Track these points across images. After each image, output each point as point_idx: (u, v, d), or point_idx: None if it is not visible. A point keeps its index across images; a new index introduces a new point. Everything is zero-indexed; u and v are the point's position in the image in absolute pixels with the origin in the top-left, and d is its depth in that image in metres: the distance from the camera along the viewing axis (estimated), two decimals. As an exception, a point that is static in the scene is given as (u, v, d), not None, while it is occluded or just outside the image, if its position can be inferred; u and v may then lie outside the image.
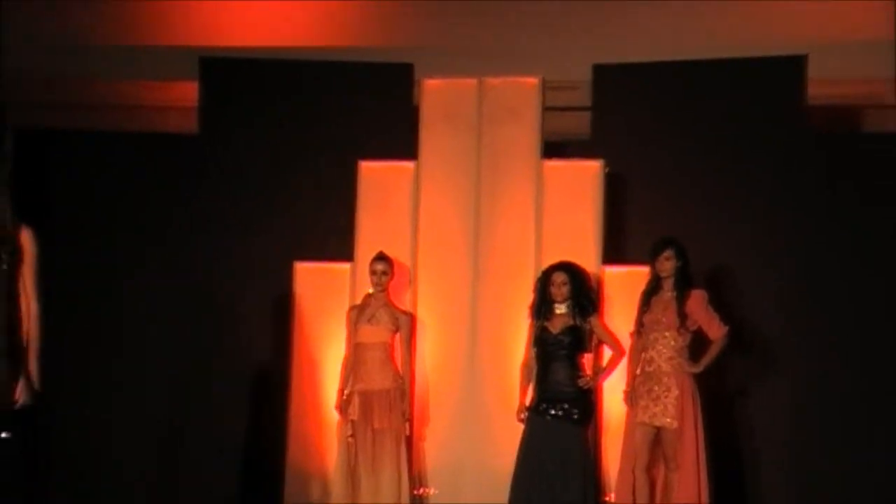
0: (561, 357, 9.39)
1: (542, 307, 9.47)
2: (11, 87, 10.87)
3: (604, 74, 10.38)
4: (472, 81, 10.20)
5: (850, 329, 9.93)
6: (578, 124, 10.49)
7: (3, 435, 6.58)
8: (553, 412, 9.35)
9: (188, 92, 10.72)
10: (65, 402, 10.37)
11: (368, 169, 10.15)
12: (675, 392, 9.15)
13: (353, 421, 9.61)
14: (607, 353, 9.59)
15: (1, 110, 10.33)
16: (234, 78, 10.73)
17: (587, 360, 9.51)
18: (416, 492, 9.73)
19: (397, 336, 9.72)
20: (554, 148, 10.18)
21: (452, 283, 10.09)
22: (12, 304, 6.84)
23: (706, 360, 9.19)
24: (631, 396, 9.31)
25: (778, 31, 10.70)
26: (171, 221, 10.47)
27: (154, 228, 10.46)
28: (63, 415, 10.38)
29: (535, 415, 9.38)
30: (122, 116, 11.15)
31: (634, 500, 9.27)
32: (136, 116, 11.22)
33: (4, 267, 6.67)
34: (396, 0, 11.53)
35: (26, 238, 6.90)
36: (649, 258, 9.37)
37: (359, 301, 9.78)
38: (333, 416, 9.73)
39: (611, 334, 9.50)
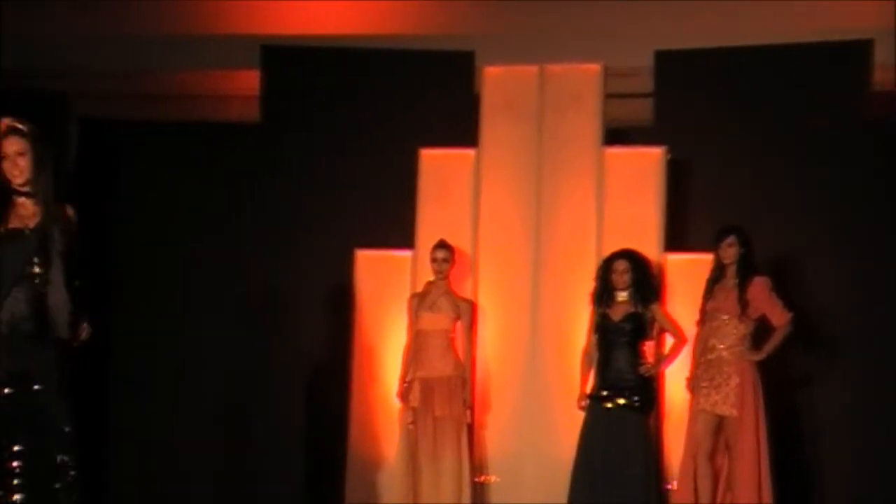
0: (622, 345, 9.45)
1: (603, 294, 9.52)
2: (78, 79, 10.91)
3: (666, 61, 10.39)
4: (534, 69, 10.20)
5: None
6: (640, 111, 10.52)
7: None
8: (615, 400, 9.41)
9: (250, 81, 10.78)
10: (129, 393, 10.59)
11: (429, 157, 10.17)
12: (735, 380, 9.14)
13: (414, 408, 9.66)
14: (669, 340, 9.56)
15: (64, 100, 10.58)
16: (296, 66, 10.78)
17: (648, 347, 9.55)
18: (476, 479, 9.76)
19: (458, 324, 9.75)
20: (615, 135, 10.21)
21: (513, 270, 10.09)
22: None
23: (768, 347, 9.16)
24: (693, 384, 9.25)
25: (842, 16, 10.53)
26: (233, 210, 10.54)
27: (215, 217, 10.55)
28: (126, 407, 10.58)
29: (596, 403, 9.43)
30: (184, 106, 11.21)
31: (696, 488, 9.23)
32: (199, 106, 11.25)
33: (59, 248, 6.64)
34: None
35: (70, 219, 6.84)
36: (712, 245, 9.37)
37: (420, 289, 9.83)
38: (395, 403, 9.78)
39: (672, 322, 9.53)
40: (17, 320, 6.48)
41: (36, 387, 6.46)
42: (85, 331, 6.63)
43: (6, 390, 6.47)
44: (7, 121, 6.67)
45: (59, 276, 6.58)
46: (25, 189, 6.55)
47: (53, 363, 6.56)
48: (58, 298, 6.59)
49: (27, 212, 6.55)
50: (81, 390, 7.18)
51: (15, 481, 6.43)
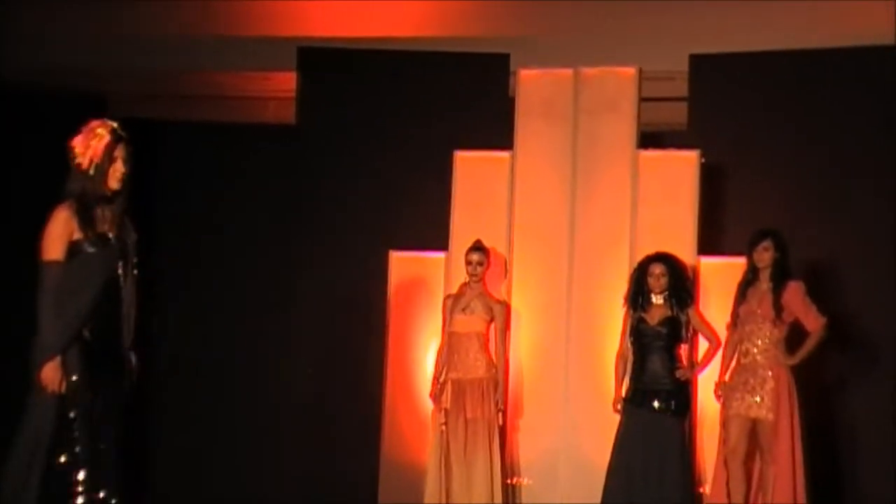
0: (658, 349, 9.44)
1: (638, 298, 9.50)
2: (116, 79, 11.06)
3: (701, 64, 10.43)
4: (569, 72, 10.21)
5: None
6: (675, 115, 10.56)
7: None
8: (652, 404, 9.40)
9: (287, 83, 10.89)
10: (167, 393, 10.70)
11: (464, 159, 10.22)
12: (770, 384, 9.09)
13: (446, 409, 9.67)
14: (703, 344, 9.51)
15: (103, 101, 10.58)
16: (332, 69, 10.86)
17: (683, 351, 9.54)
18: (508, 481, 9.79)
19: (492, 326, 9.76)
20: (650, 138, 10.22)
21: (548, 273, 10.11)
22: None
23: (803, 352, 9.10)
24: (726, 388, 9.20)
25: (875, 20, 10.48)
26: (269, 209, 10.65)
27: (252, 216, 10.68)
28: (166, 406, 10.73)
29: (632, 406, 9.42)
30: (222, 107, 11.42)
31: (728, 493, 9.21)
32: (236, 107, 11.46)
33: (133, 258, 6.79)
34: None
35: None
36: (747, 249, 9.30)
37: (454, 290, 9.85)
38: (427, 404, 9.81)
39: (708, 325, 9.50)
40: (99, 327, 6.58)
41: (107, 392, 6.60)
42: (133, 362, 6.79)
43: (89, 395, 6.57)
44: (110, 125, 6.74)
45: (132, 286, 6.72)
46: (115, 196, 6.63)
47: (122, 370, 6.70)
48: (129, 308, 6.71)
49: (107, 219, 6.63)
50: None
51: (80, 489, 6.54)
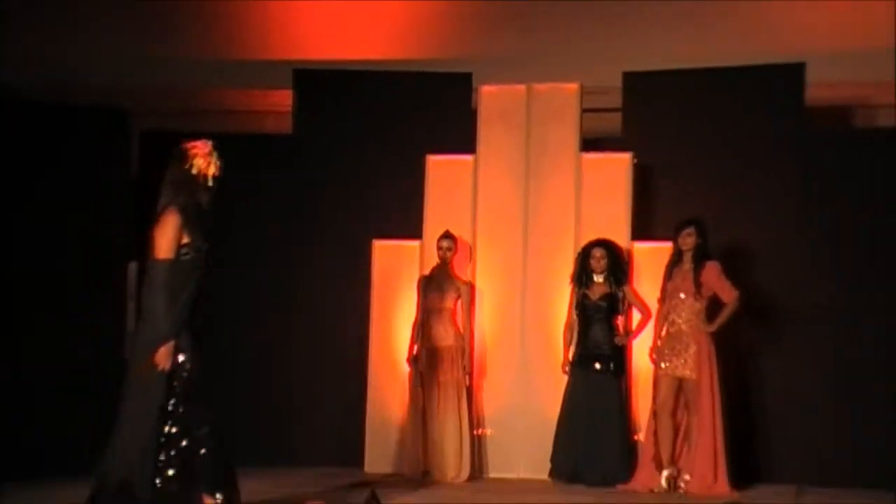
0: (599, 319, 9.62)
1: (582, 277, 9.66)
2: (134, 96, 10.89)
3: (632, 81, 10.37)
4: (522, 87, 10.25)
5: (850, 295, 9.87)
6: (611, 123, 10.47)
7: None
8: (594, 366, 9.56)
9: (284, 99, 10.80)
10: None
11: (434, 162, 10.24)
12: (693, 348, 9.25)
13: (421, 373, 9.78)
14: (636, 315, 9.69)
15: (124, 116, 10.49)
16: (323, 86, 10.72)
17: (620, 321, 9.71)
18: (475, 433, 9.87)
19: (459, 302, 9.85)
20: (591, 143, 10.27)
21: (506, 257, 10.16)
22: None
23: (719, 321, 9.27)
24: (657, 352, 9.36)
25: (785, 40, 10.62)
26: (271, 206, 10.53)
27: (254, 214, 10.50)
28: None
29: (577, 368, 9.62)
30: (227, 120, 11.15)
31: (658, 440, 9.34)
32: (241, 120, 11.26)
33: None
34: (457, 19, 11.40)
35: None
36: (673, 235, 9.46)
37: (427, 272, 9.96)
38: (405, 368, 9.91)
39: (640, 300, 9.68)
40: (197, 315, 6.82)
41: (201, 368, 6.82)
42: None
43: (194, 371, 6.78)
44: (212, 143, 6.91)
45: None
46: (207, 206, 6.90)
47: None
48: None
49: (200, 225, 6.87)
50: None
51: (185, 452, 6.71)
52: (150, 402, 6.67)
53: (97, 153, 10.35)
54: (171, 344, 6.66)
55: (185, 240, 6.73)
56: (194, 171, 6.83)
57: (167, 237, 6.71)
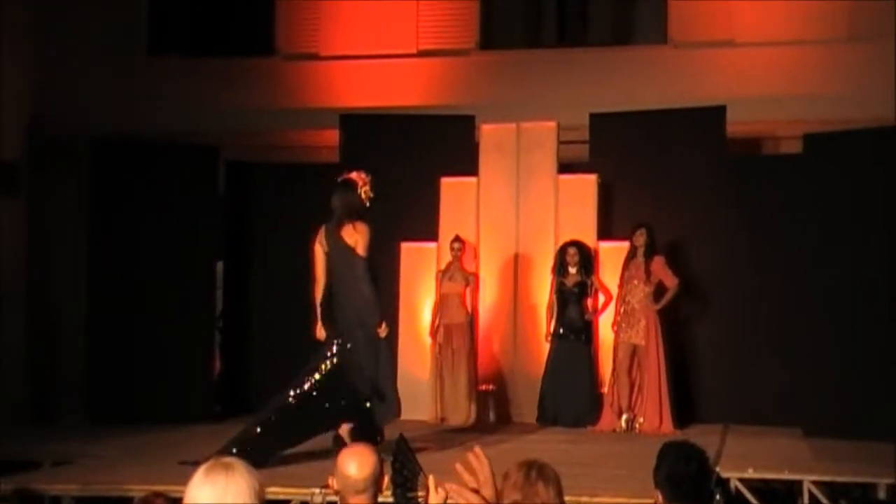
0: (573, 301, 9.84)
1: (560, 269, 9.87)
2: (224, 136, 10.86)
3: (596, 120, 10.48)
4: (513, 125, 10.45)
5: (761, 278, 9.93)
6: (581, 152, 10.55)
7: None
8: (570, 337, 9.80)
9: (332, 137, 10.80)
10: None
11: (447, 183, 10.45)
12: (643, 322, 9.54)
13: (440, 344, 10.01)
14: (601, 298, 9.90)
15: (215, 150, 10.53)
16: (363, 127, 10.70)
17: (589, 303, 9.93)
18: (480, 388, 10.10)
19: (467, 289, 10.08)
20: (565, 167, 10.45)
21: (502, 254, 10.34)
22: None
23: (663, 301, 9.59)
24: (617, 326, 9.63)
25: (711, 87, 10.66)
26: (324, 217, 10.03)
27: (309, 221, 9.97)
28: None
29: (557, 339, 9.87)
30: (291, 153, 11.22)
31: (618, 393, 9.55)
32: (299, 153, 11.27)
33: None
34: (463, 76, 11.40)
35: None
36: (629, 236, 9.68)
37: (443, 267, 10.16)
38: (427, 340, 10.12)
39: (603, 287, 9.94)
40: None
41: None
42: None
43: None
44: (367, 174, 7.53)
45: None
46: None
47: None
48: None
49: None
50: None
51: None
52: (377, 355, 7.43)
53: (196, 179, 10.46)
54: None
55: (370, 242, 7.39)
56: (363, 196, 7.34)
57: (365, 241, 7.30)
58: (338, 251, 7.39)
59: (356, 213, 7.34)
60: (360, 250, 7.24)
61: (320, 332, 7.50)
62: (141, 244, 10.30)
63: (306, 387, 7.29)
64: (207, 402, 10.23)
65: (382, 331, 7.40)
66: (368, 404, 7.40)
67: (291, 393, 7.31)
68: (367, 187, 7.36)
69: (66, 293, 11.18)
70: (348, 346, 7.36)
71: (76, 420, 10.09)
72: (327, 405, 7.29)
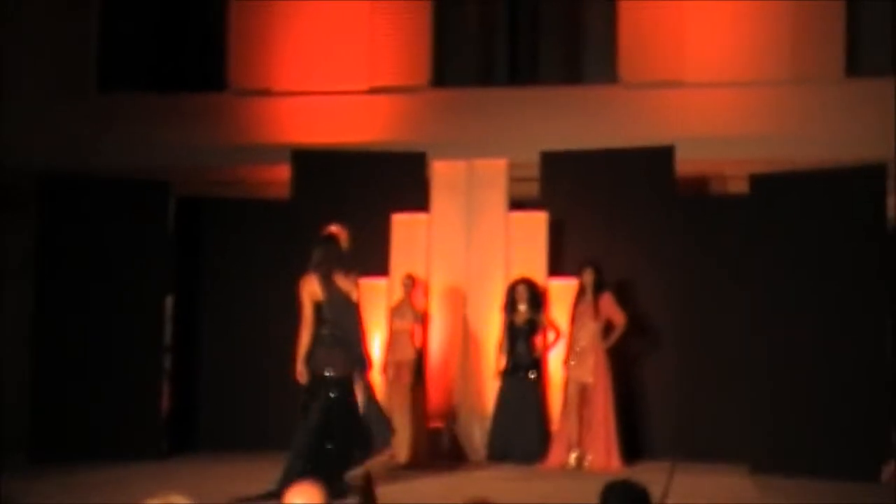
0: (523, 338, 9.83)
1: (510, 306, 9.88)
2: (175, 172, 10.83)
3: (547, 158, 10.56)
4: (464, 163, 10.45)
5: (705, 316, 10.04)
6: (531, 189, 10.56)
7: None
8: (520, 373, 9.78)
9: (283, 172, 10.78)
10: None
11: (399, 219, 10.39)
12: (592, 359, 9.54)
13: (390, 381, 9.86)
14: (550, 335, 9.93)
15: (165, 185, 10.38)
16: (314, 162, 10.73)
17: (538, 339, 9.91)
18: (429, 425, 9.98)
19: (417, 325, 9.98)
20: (516, 204, 10.41)
21: (452, 291, 10.31)
22: None
23: (612, 339, 9.61)
24: (567, 363, 9.62)
25: (658, 127, 10.77)
26: (275, 260, 10.19)
27: (264, 264, 10.42)
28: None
29: (507, 375, 9.85)
30: (241, 189, 11.29)
31: (566, 428, 9.50)
32: (250, 189, 11.34)
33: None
34: (414, 113, 11.49)
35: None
36: (578, 273, 9.73)
37: (393, 303, 10.09)
38: (379, 377, 9.70)
39: (552, 324, 9.95)
40: None
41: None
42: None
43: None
44: (346, 227, 8.08)
45: None
46: None
47: None
48: None
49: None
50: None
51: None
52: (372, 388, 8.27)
53: (146, 214, 10.35)
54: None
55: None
56: (344, 247, 7.88)
57: (356, 289, 7.94)
58: (337, 298, 7.92)
59: (341, 262, 7.93)
60: (355, 297, 7.94)
61: (302, 376, 7.93)
62: (90, 279, 10.14)
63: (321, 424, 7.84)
64: (155, 440, 10.08)
65: (366, 378, 8.18)
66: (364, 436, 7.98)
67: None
68: (347, 239, 7.98)
69: (11, 329, 10.97)
70: (354, 382, 8.00)
71: (18, 461, 9.76)
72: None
